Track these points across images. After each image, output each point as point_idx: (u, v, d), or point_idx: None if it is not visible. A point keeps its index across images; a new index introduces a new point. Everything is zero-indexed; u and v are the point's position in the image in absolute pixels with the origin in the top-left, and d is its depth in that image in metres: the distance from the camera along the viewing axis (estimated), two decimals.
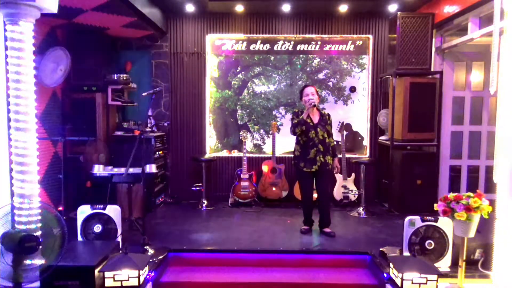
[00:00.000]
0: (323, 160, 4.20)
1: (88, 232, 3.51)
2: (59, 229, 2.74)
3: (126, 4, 4.17)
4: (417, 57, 5.05)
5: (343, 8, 5.42)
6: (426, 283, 2.84)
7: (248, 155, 5.61)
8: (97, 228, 3.51)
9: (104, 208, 3.52)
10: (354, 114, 5.84)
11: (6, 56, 2.86)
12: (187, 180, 5.81)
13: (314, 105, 4.18)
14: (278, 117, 5.88)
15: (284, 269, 3.63)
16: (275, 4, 5.35)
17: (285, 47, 5.80)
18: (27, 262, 2.60)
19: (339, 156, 4.77)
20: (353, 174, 5.53)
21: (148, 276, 3.10)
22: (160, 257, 3.53)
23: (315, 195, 4.47)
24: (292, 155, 4.46)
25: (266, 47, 5.81)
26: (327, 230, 4.28)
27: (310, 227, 4.40)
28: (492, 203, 2.88)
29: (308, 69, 5.83)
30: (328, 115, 4.39)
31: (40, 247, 2.63)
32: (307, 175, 4.27)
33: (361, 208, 5.11)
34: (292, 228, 4.50)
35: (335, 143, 4.45)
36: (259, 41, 5.80)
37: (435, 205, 3.04)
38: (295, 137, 4.34)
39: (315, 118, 4.27)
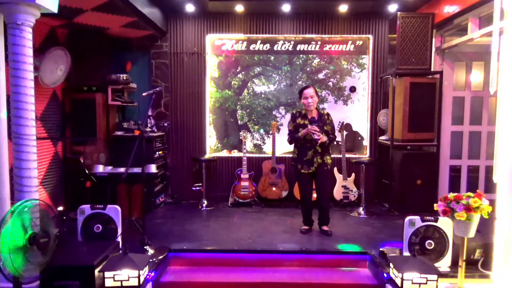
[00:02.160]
0: (320, 161, 4.19)
1: (88, 232, 3.51)
2: (58, 229, 2.74)
3: (126, 4, 4.17)
4: (417, 57, 5.05)
5: (343, 8, 5.42)
6: (426, 283, 2.84)
7: (248, 155, 5.61)
8: (97, 228, 3.50)
9: (104, 208, 3.52)
10: (354, 114, 5.84)
11: (6, 56, 2.86)
12: (187, 180, 5.82)
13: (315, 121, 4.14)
14: (278, 117, 5.88)
15: (284, 269, 3.63)
16: (275, 4, 5.34)
17: (285, 47, 5.80)
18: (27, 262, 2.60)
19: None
20: (353, 174, 5.53)
21: (148, 276, 3.10)
22: (160, 257, 3.53)
23: (314, 195, 4.47)
24: (291, 156, 4.46)
25: (266, 47, 5.81)
26: (324, 228, 4.29)
27: (310, 227, 4.40)
28: (492, 203, 2.88)
29: (308, 69, 5.83)
30: (328, 114, 4.35)
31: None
32: (305, 176, 4.26)
33: (361, 208, 5.11)
34: (292, 228, 4.50)
35: (335, 138, 4.38)
36: (259, 41, 5.80)
37: (435, 205, 3.05)
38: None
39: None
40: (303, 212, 4.41)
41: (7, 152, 2.99)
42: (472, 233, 2.93)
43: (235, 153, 5.90)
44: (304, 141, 4.19)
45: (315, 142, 4.13)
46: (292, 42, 5.79)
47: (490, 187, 4.07)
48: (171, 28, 5.78)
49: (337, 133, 5.31)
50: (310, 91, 4.21)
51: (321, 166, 4.20)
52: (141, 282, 2.91)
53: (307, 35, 5.77)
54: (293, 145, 4.36)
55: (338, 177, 5.47)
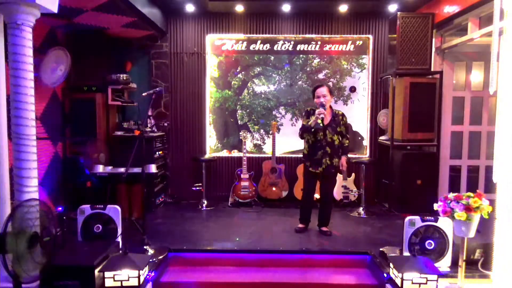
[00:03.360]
0: (329, 162, 4.14)
1: (88, 232, 3.51)
2: (57, 229, 2.74)
3: (126, 4, 4.18)
4: (417, 57, 5.05)
5: (343, 8, 5.42)
6: (426, 283, 2.84)
7: (248, 155, 5.61)
8: (97, 228, 3.50)
9: (104, 208, 3.51)
10: (354, 114, 5.84)
11: (6, 56, 2.86)
12: (187, 180, 5.81)
13: (322, 118, 4.03)
14: (278, 117, 5.88)
15: (284, 269, 3.63)
16: (275, 4, 5.35)
17: (285, 47, 5.80)
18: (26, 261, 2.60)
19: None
20: (353, 174, 5.52)
21: (148, 276, 3.10)
22: (160, 257, 3.53)
23: (317, 195, 4.47)
24: (302, 153, 4.40)
25: (266, 47, 5.81)
26: (324, 229, 4.29)
27: (306, 226, 4.39)
28: (492, 203, 2.88)
29: (308, 69, 5.83)
30: (342, 115, 4.22)
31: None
32: (312, 175, 4.24)
33: (361, 208, 5.11)
34: (292, 228, 4.49)
35: (348, 143, 4.27)
36: (259, 41, 5.80)
37: (435, 205, 3.04)
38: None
39: (326, 119, 4.13)
40: (301, 210, 4.39)
41: (7, 152, 2.99)
42: (472, 233, 2.92)
43: (235, 153, 5.90)
44: (315, 140, 4.14)
45: (325, 143, 4.10)
46: (292, 42, 5.79)
47: (490, 187, 4.07)
48: (171, 28, 5.78)
49: None
50: (322, 90, 4.11)
51: (328, 168, 4.16)
52: (141, 282, 2.91)
53: (307, 35, 5.77)
54: (298, 143, 4.28)
55: (338, 177, 5.46)
